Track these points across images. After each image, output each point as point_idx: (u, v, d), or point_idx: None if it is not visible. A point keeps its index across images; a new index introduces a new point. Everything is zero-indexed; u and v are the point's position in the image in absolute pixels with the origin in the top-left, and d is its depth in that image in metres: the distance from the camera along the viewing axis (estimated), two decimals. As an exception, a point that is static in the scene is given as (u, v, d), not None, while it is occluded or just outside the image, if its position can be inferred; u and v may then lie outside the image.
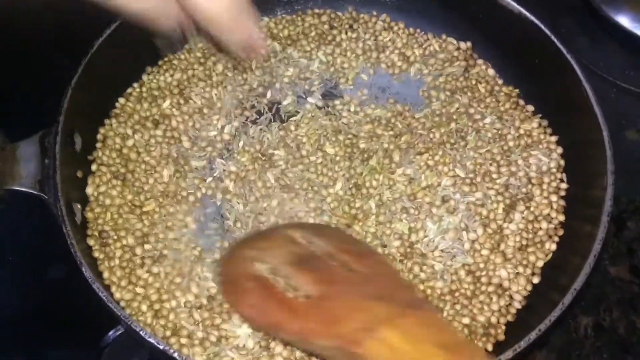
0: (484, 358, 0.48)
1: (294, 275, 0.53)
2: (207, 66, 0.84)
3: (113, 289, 0.68)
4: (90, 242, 0.70)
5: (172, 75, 0.83)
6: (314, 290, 0.52)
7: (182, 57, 0.84)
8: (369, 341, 0.45)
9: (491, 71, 0.86)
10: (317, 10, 0.90)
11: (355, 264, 0.55)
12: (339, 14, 0.90)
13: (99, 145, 0.77)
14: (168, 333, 0.66)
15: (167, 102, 0.80)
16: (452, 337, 0.49)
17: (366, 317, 0.48)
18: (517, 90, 0.84)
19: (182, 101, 0.81)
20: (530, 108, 0.83)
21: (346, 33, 0.88)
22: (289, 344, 0.60)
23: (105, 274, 0.69)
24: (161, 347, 0.58)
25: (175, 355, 0.58)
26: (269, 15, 0.90)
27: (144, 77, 0.83)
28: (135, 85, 0.82)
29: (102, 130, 0.78)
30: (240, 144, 0.79)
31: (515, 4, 0.80)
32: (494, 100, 0.83)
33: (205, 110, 0.80)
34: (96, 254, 0.70)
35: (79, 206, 0.70)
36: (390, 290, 0.53)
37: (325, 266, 0.54)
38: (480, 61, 0.86)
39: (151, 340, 0.59)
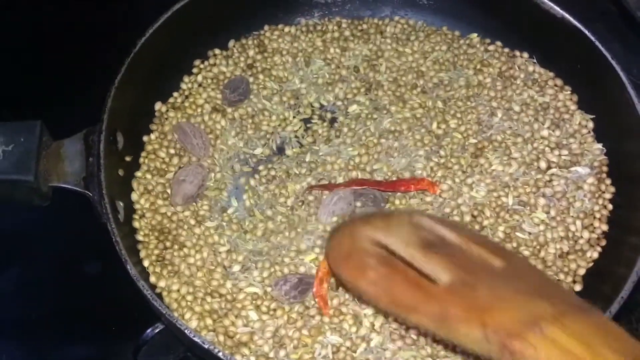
0: None
1: (424, 258, 0.48)
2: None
3: (156, 280, 0.69)
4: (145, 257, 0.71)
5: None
6: (451, 276, 0.47)
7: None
8: (532, 335, 0.40)
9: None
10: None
11: (493, 259, 0.49)
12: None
13: (143, 154, 0.78)
14: (211, 333, 0.66)
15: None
16: (634, 347, 0.42)
17: (525, 311, 0.43)
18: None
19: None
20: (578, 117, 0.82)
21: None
22: (420, 329, 0.55)
23: (152, 279, 0.69)
24: (206, 347, 0.58)
25: (220, 354, 0.58)
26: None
27: (183, 86, 0.84)
28: (176, 94, 0.83)
29: (145, 138, 0.79)
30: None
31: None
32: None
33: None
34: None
35: (121, 204, 0.71)
36: (548, 289, 0.48)
37: (460, 254, 0.49)
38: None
39: (196, 339, 0.59)
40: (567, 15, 0.79)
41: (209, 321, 0.66)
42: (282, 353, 0.64)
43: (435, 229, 0.51)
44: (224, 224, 0.74)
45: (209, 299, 0.67)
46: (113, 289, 0.80)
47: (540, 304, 0.43)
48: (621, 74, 0.75)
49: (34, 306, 0.81)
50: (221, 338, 0.65)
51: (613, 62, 0.76)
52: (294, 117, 0.82)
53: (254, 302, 0.68)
